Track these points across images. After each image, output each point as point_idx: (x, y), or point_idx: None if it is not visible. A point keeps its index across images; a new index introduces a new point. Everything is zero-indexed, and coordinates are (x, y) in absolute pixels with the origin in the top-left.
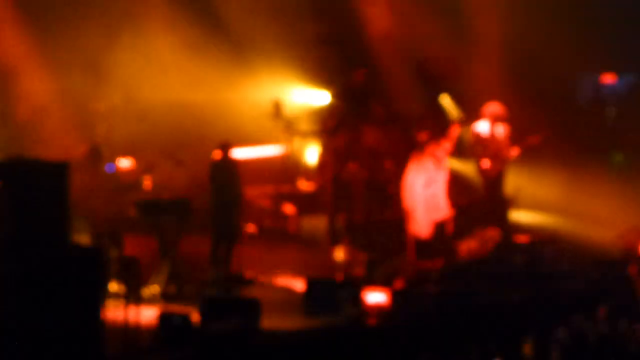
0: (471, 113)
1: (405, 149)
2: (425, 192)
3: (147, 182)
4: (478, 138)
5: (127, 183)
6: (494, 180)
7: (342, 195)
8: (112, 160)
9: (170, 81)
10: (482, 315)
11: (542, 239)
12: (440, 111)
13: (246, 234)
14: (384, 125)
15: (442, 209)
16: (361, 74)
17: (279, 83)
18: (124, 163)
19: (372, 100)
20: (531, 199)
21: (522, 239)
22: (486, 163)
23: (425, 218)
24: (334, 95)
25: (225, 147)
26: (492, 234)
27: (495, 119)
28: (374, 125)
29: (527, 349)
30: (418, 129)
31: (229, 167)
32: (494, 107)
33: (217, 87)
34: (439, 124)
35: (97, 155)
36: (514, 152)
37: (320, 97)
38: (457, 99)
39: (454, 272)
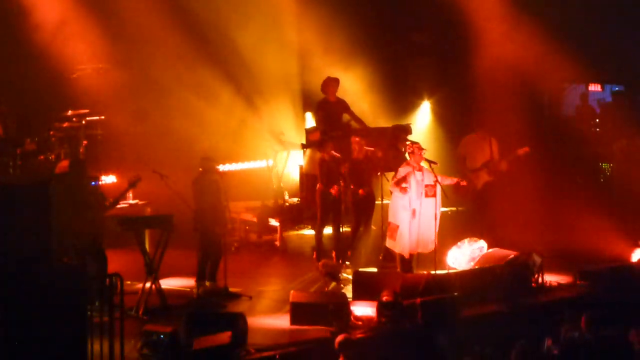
0: (458, 124)
1: (393, 161)
2: (411, 219)
3: (130, 197)
4: (468, 150)
5: (112, 198)
6: (481, 192)
7: (330, 208)
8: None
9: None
10: (468, 326)
11: (528, 251)
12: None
13: (232, 248)
14: (368, 137)
15: (429, 243)
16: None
17: None
18: (108, 179)
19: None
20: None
21: (509, 251)
22: (474, 174)
23: (407, 242)
24: (317, 108)
25: (208, 161)
26: (479, 245)
27: (486, 131)
28: (359, 136)
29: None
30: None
31: (212, 182)
32: (484, 120)
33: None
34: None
35: (80, 170)
36: (503, 165)
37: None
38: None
39: (439, 285)
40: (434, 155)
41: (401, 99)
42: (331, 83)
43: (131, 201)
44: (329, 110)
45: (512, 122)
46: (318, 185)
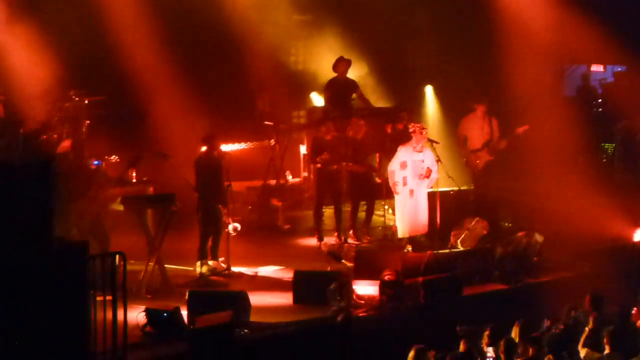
0: (460, 106)
1: (390, 141)
2: (407, 199)
3: (133, 177)
4: (468, 130)
5: (113, 178)
6: (482, 171)
7: (329, 187)
8: (98, 155)
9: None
10: (469, 306)
11: (528, 231)
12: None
13: (232, 230)
14: (367, 117)
15: (421, 225)
16: (344, 64)
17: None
18: (109, 158)
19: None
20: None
21: (509, 231)
22: (476, 155)
23: (407, 221)
24: (325, 87)
25: (210, 140)
26: (480, 225)
27: (485, 112)
28: (356, 117)
29: (515, 336)
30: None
31: (214, 161)
32: (483, 99)
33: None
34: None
35: (81, 150)
36: (502, 143)
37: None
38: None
39: (441, 264)
40: (438, 139)
41: (402, 83)
42: (342, 62)
43: (134, 181)
44: (337, 90)
45: (513, 101)
46: (317, 165)
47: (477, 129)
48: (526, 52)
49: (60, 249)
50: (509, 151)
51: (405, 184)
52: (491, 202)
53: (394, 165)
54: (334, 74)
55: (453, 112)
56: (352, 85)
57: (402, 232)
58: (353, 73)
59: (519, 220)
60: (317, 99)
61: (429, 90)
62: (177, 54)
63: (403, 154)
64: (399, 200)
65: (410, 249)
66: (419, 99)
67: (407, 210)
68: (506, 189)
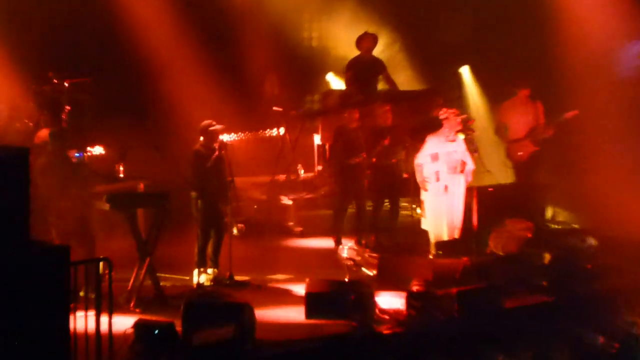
0: (501, 89)
1: (419, 130)
2: (442, 196)
3: (121, 172)
4: (509, 117)
5: (99, 173)
6: (526, 165)
7: (349, 183)
8: (81, 147)
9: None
10: (510, 319)
11: (580, 233)
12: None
13: (237, 230)
14: (393, 101)
15: (457, 226)
16: (369, 40)
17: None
18: (95, 151)
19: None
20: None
21: (558, 234)
22: (518, 144)
23: (441, 223)
24: (347, 67)
25: (209, 129)
26: (523, 227)
27: (528, 96)
28: (382, 102)
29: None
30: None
31: (213, 154)
32: (526, 82)
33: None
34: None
35: (61, 140)
36: (549, 132)
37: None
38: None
39: (478, 272)
40: (474, 126)
41: (434, 62)
42: (366, 38)
43: (121, 176)
44: (360, 70)
45: (559, 83)
46: (335, 158)
47: (520, 115)
48: (575, 27)
49: (36, 254)
50: (557, 140)
51: (437, 179)
52: (536, 199)
53: (422, 158)
54: (356, 52)
55: (492, 96)
56: (379, 65)
57: (434, 235)
58: (378, 50)
59: (569, 221)
60: (334, 81)
61: (465, 71)
62: (171, 30)
63: (433, 144)
64: (429, 198)
65: (440, 254)
66: (454, 81)
67: (442, 210)
68: (554, 185)
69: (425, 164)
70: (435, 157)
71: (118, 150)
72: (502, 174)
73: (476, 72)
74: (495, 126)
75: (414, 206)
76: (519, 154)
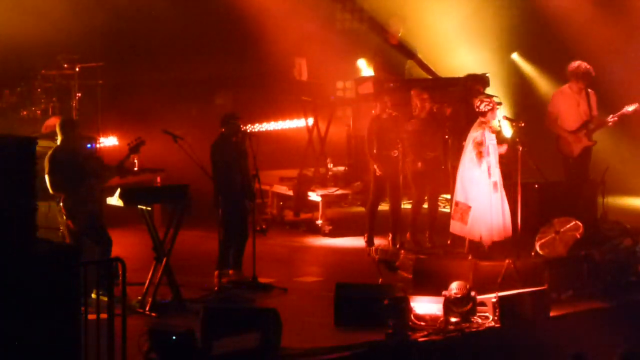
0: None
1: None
2: (492, 194)
3: (135, 164)
4: (560, 107)
5: (112, 166)
6: (578, 158)
7: (383, 178)
8: (92, 137)
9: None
10: (558, 328)
11: (633, 234)
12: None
13: (260, 227)
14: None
15: (508, 226)
16: (395, 23)
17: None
18: (107, 141)
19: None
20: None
21: (610, 236)
22: (570, 138)
23: (488, 225)
24: (374, 53)
25: (231, 119)
26: (573, 227)
27: (582, 81)
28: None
29: None
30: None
31: (236, 145)
32: (580, 66)
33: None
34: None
35: (72, 130)
36: (605, 125)
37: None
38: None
39: (522, 276)
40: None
41: (479, 48)
42: (394, 22)
43: (136, 169)
44: (388, 56)
45: (617, 72)
46: (368, 150)
47: (572, 106)
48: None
49: (43, 253)
50: (613, 134)
51: (490, 175)
52: (588, 198)
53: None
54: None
55: (543, 85)
56: (408, 50)
57: (487, 236)
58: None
59: (623, 222)
60: (366, 68)
61: (515, 57)
62: (191, 9)
63: (485, 135)
64: (479, 199)
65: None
66: (502, 68)
67: (493, 209)
68: (608, 183)
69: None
70: (486, 151)
71: (130, 144)
72: (549, 170)
73: (529, 59)
74: (547, 117)
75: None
76: (570, 148)
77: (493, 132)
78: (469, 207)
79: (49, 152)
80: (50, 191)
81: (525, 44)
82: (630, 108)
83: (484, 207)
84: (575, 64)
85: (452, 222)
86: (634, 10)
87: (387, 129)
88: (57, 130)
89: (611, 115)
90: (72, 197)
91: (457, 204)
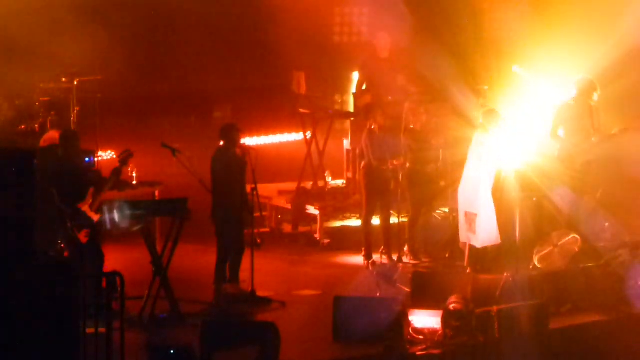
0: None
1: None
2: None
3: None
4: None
5: (109, 179)
6: (582, 174)
7: (381, 191)
8: (90, 150)
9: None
10: (557, 341)
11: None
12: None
13: (257, 241)
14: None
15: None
16: (384, 38)
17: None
18: (106, 155)
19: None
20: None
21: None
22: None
23: (490, 228)
24: (360, 67)
25: (231, 132)
26: (571, 240)
27: (586, 95)
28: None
29: None
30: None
31: (235, 158)
32: (585, 80)
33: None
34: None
35: (73, 143)
36: (605, 139)
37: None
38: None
39: (521, 289)
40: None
41: (478, 60)
42: (381, 36)
43: (134, 182)
44: (374, 70)
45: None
46: (363, 163)
47: (576, 119)
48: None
49: (42, 267)
50: (616, 148)
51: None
52: (589, 212)
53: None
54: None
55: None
56: (398, 64)
57: (480, 241)
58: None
59: (621, 235)
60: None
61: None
62: (190, 23)
63: (487, 141)
64: (483, 204)
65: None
66: (502, 80)
67: (489, 216)
68: (609, 197)
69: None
70: (488, 157)
71: (120, 156)
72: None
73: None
74: (550, 130)
75: (454, 215)
76: (572, 161)
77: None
78: (476, 215)
79: (53, 164)
80: (56, 202)
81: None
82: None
83: (489, 213)
84: (580, 77)
85: (462, 232)
86: None
87: (379, 141)
88: (60, 141)
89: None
90: (76, 208)
91: (466, 214)
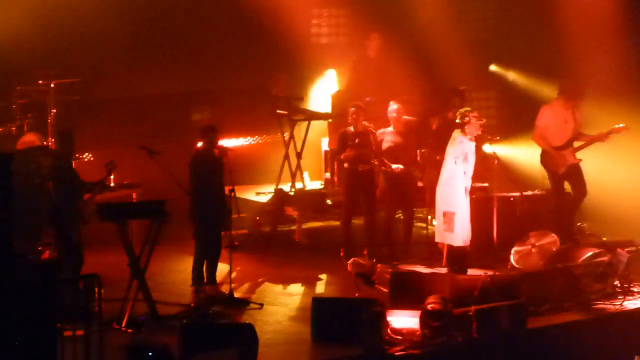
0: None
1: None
2: (464, 197)
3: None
4: (546, 122)
5: (87, 182)
6: (565, 175)
7: (360, 192)
8: None
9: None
10: (535, 341)
11: (615, 245)
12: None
13: (236, 245)
14: (412, 102)
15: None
16: (375, 38)
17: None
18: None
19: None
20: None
21: (588, 247)
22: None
23: (466, 225)
24: (349, 69)
25: (210, 133)
26: (549, 240)
27: (572, 98)
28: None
29: None
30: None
31: (213, 160)
32: (570, 83)
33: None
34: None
35: (71, 142)
36: (590, 143)
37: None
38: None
39: (498, 289)
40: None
41: (455, 61)
42: (373, 36)
43: (112, 185)
44: (366, 71)
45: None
46: (345, 164)
47: (560, 122)
48: (614, 20)
49: (19, 270)
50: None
51: (465, 180)
52: (564, 212)
53: (454, 152)
54: (365, 48)
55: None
56: (387, 65)
57: (460, 239)
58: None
59: (599, 235)
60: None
61: (495, 69)
62: (168, 25)
63: (466, 143)
64: (458, 203)
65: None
66: (480, 80)
67: (465, 214)
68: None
69: (455, 161)
70: (465, 158)
71: (105, 166)
72: (526, 184)
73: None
74: (534, 133)
75: (430, 217)
76: (556, 164)
77: (472, 141)
78: (453, 213)
79: (52, 162)
80: (57, 201)
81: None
82: (615, 129)
83: (464, 213)
84: (565, 80)
85: (440, 232)
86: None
87: (361, 143)
88: (57, 140)
89: (602, 133)
90: (73, 208)
91: (444, 214)
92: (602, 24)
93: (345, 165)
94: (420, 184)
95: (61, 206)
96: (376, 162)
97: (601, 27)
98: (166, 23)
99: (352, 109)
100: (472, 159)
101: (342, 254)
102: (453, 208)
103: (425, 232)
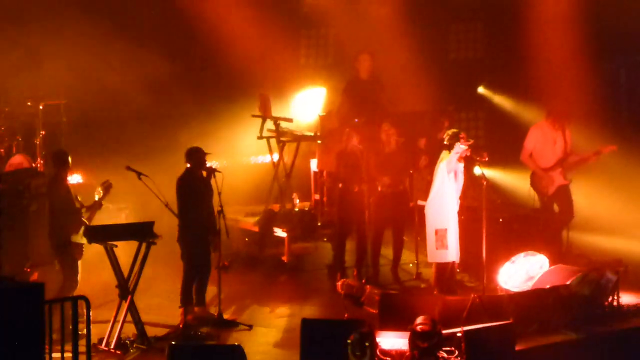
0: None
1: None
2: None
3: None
4: (535, 143)
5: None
6: (554, 197)
7: (350, 213)
8: None
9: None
10: None
11: (604, 265)
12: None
13: (223, 264)
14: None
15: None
16: (366, 59)
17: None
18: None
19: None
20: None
21: (576, 267)
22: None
23: (456, 243)
24: (344, 88)
25: (196, 155)
26: (539, 260)
27: (559, 120)
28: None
29: None
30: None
31: (202, 180)
32: (558, 104)
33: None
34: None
35: (65, 163)
36: (580, 164)
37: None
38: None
39: (487, 310)
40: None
41: (444, 81)
42: (363, 57)
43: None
44: (359, 92)
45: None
46: (340, 185)
47: (549, 143)
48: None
49: (6, 291)
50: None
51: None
52: (552, 232)
53: (447, 167)
54: (356, 70)
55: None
56: (379, 85)
57: (455, 254)
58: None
59: (587, 255)
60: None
61: (483, 90)
62: (155, 45)
63: (454, 163)
64: (450, 219)
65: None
66: (467, 101)
67: (456, 230)
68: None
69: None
70: (455, 176)
71: (102, 186)
72: (516, 204)
73: (500, 92)
74: (522, 154)
75: (419, 238)
76: (545, 185)
77: (460, 161)
78: (446, 229)
79: (45, 183)
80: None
81: (491, 76)
82: (604, 149)
83: (456, 227)
84: (554, 102)
85: (432, 252)
86: None
87: (354, 164)
88: (55, 160)
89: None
90: (73, 228)
91: (436, 232)
92: (586, 49)
93: (340, 185)
94: (411, 204)
95: (61, 226)
96: (365, 187)
97: (585, 51)
98: (152, 44)
99: (346, 130)
100: (461, 177)
101: (331, 274)
102: (445, 225)
103: (414, 253)
